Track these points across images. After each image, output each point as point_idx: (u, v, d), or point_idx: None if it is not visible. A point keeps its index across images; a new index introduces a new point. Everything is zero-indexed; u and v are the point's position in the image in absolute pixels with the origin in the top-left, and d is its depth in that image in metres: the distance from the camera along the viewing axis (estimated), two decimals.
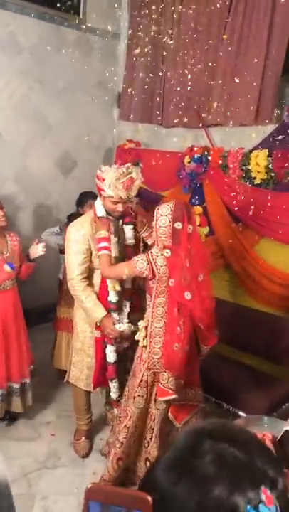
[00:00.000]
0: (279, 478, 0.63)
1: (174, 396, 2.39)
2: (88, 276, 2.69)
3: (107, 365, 2.76)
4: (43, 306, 4.31)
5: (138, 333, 2.50)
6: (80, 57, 4.77)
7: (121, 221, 2.73)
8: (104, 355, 2.74)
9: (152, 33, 4.56)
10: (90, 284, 2.69)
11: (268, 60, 3.63)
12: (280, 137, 3.64)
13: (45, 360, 3.71)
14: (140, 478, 2.65)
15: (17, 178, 4.52)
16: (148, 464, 2.57)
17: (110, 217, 2.66)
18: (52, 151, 4.75)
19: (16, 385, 3.07)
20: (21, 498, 2.62)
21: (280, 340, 3.16)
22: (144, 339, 2.46)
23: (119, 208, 2.57)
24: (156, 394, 2.47)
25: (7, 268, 2.86)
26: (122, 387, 2.79)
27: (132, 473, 2.69)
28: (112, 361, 2.74)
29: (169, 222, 2.30)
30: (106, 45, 4.97)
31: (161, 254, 2.33)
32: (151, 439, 2.54)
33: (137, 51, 4.69)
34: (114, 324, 2.63)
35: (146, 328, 2.45)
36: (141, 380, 2.46)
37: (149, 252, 2.37)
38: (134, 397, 2.48)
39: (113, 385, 2.79)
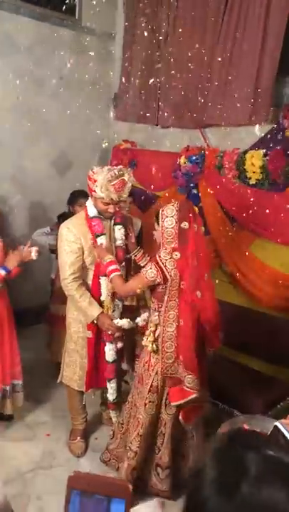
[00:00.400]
0: None
1: (195, 395, 2.34)
2: (81, 275, 2.69)
3: (105, 365, 2.76)
4: (36, 306, 4.31)
5: (145, 338, 2.49)
6: (76, 57, 4.77)
7: (112, 221, 2.74)
8: (96, 355, 2.75)
9: (148, 33, 4.57)
10: (83, 283, 2.70)
11: (262, 61, 3.64)
12: (275, 138, 3.65)
13: (40, 360, 3.71)
14: (151, 485, 2.62)
15: (13, 178, 4.52)
16: (159, 469, 2.54)
17: (101, 217, 2.67)
18: (48, 151, 4.75)
19: (7, 388, 3.04)
20: (16, 498, 2.62)
21: (276, 339, 3.18)
22: (152, 344, 2.43)
23: (111, 209, 2.58)
24: (166, 399, 2.45)
25: (1, 272, 2.82)
26: (118, 389, 2.80)
27: (140, 481, 2.62)
28: (111, 360, 2.74)
29: (176, 222, 2.29)
30: (102, 45, 4.98)
31: (170, 257, 2.31)
32: (162, 444, 2.52)
33: (133, 51, 4.70)
34: (111, 320, 2.64)
35: (154, 332, 2.43)
36: (151, 386, 2.45)
37: (157, 256, 2.34)
38: (146, 404, 2.46)
39: (111, 386, 2.79)
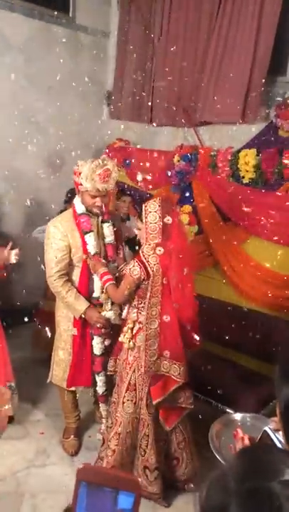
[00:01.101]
0: None
1: (181, 382, 2.37)
2: (67, 272, 2.69)
3: (89, 363, 2.77)
4: (31, 304, 4.30)
5: (122, 335, 2.50)
6: (70, 55, 4.77)
7: (100, 218, 2.74)
8: (81, 353, 2.75)
9: (142, 31, 4.57)
10: (70, 280, 2.70)
11: (254, 60, 3.65)
12: (268, 137, 3.67)
13: (32, 358, 3.71)
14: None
15: (6, 177, 4.49)
16: (147, 471, 2.51)
17: (89, 214, 2.67)
18: (41, 150, 4.73)
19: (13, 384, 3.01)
20: (10, 497, 2.63)
21: (269, 338, 3.19)
22: (129, 341, 2.44)
23: (98, 202, 2.58)
24: (147, 399, 2.44)
25: None
26: (108, 382, 2.80)
27: None
28: (99, 353, 2.75)
29: (159, 217, 2.31)
30: (96, 43, 4.97)
31: (153, 253, 2.33)
32: (147, 446, 2.49)
33: (127, 50, 4.70)
34: (99, 313, 2.65)
35: (131, 329, 2.45)
36: (129, 384, 2.45)
37: (140, 252, 2.36)
38: (124, 403, 2.46)
39: (100, 379, 2.79)
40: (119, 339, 2.53)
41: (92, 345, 2.77)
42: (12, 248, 2.87)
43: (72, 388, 2.88)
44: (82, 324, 2.73)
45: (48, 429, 3.23)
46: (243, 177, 3.69)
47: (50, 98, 4.66)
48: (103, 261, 2.65)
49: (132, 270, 2.34)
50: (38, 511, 2.54)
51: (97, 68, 5.04)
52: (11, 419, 3.21)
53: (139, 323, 2.44)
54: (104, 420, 2.86)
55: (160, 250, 2.33)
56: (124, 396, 2.46)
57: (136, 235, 3.98)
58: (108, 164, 2.50)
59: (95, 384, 2.87)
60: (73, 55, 4.80)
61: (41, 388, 3.56)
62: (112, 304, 2.70)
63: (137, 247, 3.90)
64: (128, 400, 2.46)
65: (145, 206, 2.35)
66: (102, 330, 2.70)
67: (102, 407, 2.88)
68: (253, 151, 3.61)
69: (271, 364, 3.35)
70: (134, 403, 2.46)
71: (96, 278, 2.65)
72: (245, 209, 3.65)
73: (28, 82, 4.47)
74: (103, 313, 2.64)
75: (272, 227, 3.52)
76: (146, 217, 2.33)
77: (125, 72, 4.82)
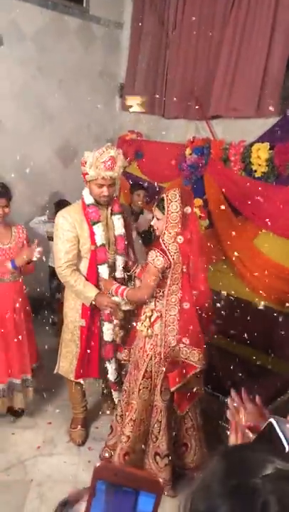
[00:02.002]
0: None
1: (200, 369, 2.43)
2: (76, 263, 2.70)
3: (96, 355, 2.78)
4: (38, 295, 4.32)
5: (140, 323, 2.51)
6: (83, 46, 4.75)
7: (109, 210, 2.74)
8: (89, 345, 2.76)
9: (156, 22, 4.53)
10: (77, 269, 2.71)
11: (271, 52, 3.60)
12: (282, 130, 3.62)
13: (41, 349, 3.71)
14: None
15: (17, 167, 4.50)
16: (158, 458, 2.55)
17: (98, 206, 2.67)
18: (52, 141, 4.73)
19: (17, 381, 3.04)
20: (17, 485, 2.66)
21: (277, 333, 3.18)
22: (147, 329, 2.46)
23: (105, 192, 2.58)
24: (161, 385, 2.47)
25: (9, 266, 2.81)
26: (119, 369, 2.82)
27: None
28: (110, 340, 2.76)
29: (180, 207, 2.33)
30: (109, 34, 4.94)
31: (174, 241, 2.34)
32: (159, 432, 2.54)
33: (141, 41, 4.67)
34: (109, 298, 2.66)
35: (149, 318, 2.47)
36: (145, 371, 2.48)
37: (160, 240, 2.37)
38: (139, 390, 2.49)
39: (111, 366, 2.80)
40: (137, 327, 2.55)
41: (100, 337, 2.78)
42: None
43: (80, 380, 2.90)
44: (90, 316, 2.74)
45: (56, 420, 3.26)
46: (255, 171, 3.66)
47: (62, 89, 4.65)
48: (113, 281, 2.67)
49: (156, 261, 2.34)
50: (45, 499, 2.56)
51: (109, 60, 5.02)
52: (21, 412, 3.26)
53: (157, 311, 2.47)
54: (116, 400, 2.90)
55: (180, 239, 2.35)
56: (141, 383, 2.49)
57: (149, 229, 4.00)
58: (112, 152, 2.51)
59: (102, 375, 2.88)
60: (86, 46, 4.77)
61: (50, 379, 3.57)
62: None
63: (151, 239, 3.96)
64: (144, 388, 2.49)
65: (166, 195, 2.36)
66: (113, 316, 2.72)
67: (115, 395, 2.89)
68: (266, 145, 3.57)
69: (279, 359, 3.37)
70: (149, 390, 2.50)
71: (103, 270, 2.66)
72: (257, 203, 3.62)
73: (40, 72, 4.46)
74: (113, 298, 2.65)
75: (284, 222, 3.49)
76: (168, 207, 2.34)
77: (138, 64, 4.79)
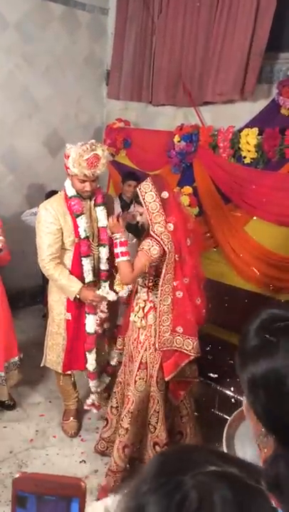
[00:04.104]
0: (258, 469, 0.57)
1: (194, 357, 2.43)
2: (59, 256, 2.66)
3: (82, 348, 2.76)
4: (31, 288, 4.29)
5: (133, 314, 2.49)
6: (68, 33, 4.66)
7: (93, 201, 2.70)
8: (75, 338, 2.75)
9: (141, 8, 4.45)
10: (61, 263, 2.67)
11: (254, 35, 3.53)
12: (270, 115, 3.58)
13: (35, 341, 3.70)
14: None
15: (4, 159, 4.44)
16: (157, 447, 2.55)
17: (81, 197, 2.63)
18: (40, 131, 4.66)
19: (2, 373, 3.01)
20: (10, 478, 2.64)
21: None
22: (141, 320, 2.45)
23: (87, 187, 2.54)
24: (157, 376, 2.47)
25: None
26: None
27: (139, 462, 2.66)
28: (92, 331, 2.74)
29: (156, 195, 2.29)
30: (94, 20, 4.86)
31: (165, 231, 2.31)
32: (157, 422, 2.53)
33: (126, 27, 4.59)
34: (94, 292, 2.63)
35: (142, 308, 2.45)
36: (140, 363, 2.47)
37: (151, 232, 2.32)
38: (136, 381, 2.48)
39: (90, 356, 2.78)
40: (130, 319, 2.52)
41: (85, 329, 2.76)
42: None
43: (68, 372, 2.88)
44: (76, 308, 2.71)
45: (48, 412, 3.25)
46: (245, 157, 3.62)
47: (48, 78, 4.58)
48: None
49: (152, 250, 2.30)
50: None
51: (95, 46, 4.94)
52: (13, 405, 3.24)
53: (150, 301, 2.45)
54: (92, 395, 2.90)
55: (170, 227, 2.32)
56: (136, 375, 2.48)
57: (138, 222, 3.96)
58: (97, 150, 2.45)
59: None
60: (71, 33, 4.69)
61: (41, 371, 3.56)
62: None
63: (140, 233, 3.92)
64: (140, 379, 2.48)
65: (139, 189, 2.33)
66: (98, 309, 2.70)
67: (92, 383, 2.86)
68: (255, 130, 3.53)
69: None
70: (146, 381, 2.49)
71: (86, 263, 2.62)
72: (247, 190, 3.59)
73: (25, 61, 4.38)
74: (98, 292, 2.62)
75: (274, 207, 3.46)
76: (144, 199, 2.30)
77: (124, 50, 4.70)
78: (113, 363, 2.91)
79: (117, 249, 2.44)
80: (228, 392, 2.81)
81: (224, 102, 3.88)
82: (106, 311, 2.74)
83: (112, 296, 2.64)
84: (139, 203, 2.35)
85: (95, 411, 2.97)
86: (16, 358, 3.09)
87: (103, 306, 2.72)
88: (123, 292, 2.63)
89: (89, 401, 2.91)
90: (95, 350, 2.77)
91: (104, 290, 2.64)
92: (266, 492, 0.51)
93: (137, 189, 2.34)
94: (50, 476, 0.57)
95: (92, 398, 2.90)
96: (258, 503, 0.49)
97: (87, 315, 2.71)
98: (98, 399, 2.92)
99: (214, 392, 2.89)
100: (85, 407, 2.98)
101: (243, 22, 3.58)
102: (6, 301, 3.05)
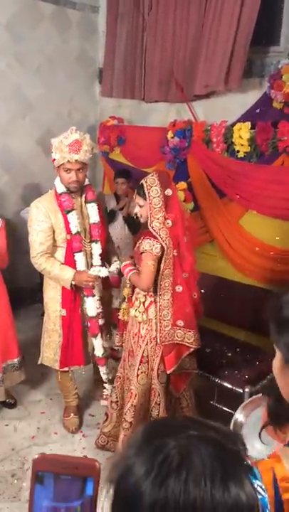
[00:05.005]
0: (237, 436, 0.61)
1: (194, 349, 2.50)
2: (50, 253, 2.69)
3: (80, 344, 2.79)
4: (30, 286, 4.30)
5: (133, 309, 2.51)
6: (58, 32, 4.67)
7: (83, 198, 2.72)
8: (70, 334, 2.77)
9: (132, 5, 4.45)
10: (51, 257, 2.70)
11: (239, 27, 3.53)
12: (262, 109, 3.60)
13: (34, 340, 3.71)
14: None
15: None
16: None
17: (71, 194, 2.66)
18: (33, 130, 4.67)
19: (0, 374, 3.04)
20: (12, 475, 2.66)
21: (265, 312, 3.18)
22: (142, 314, 2.47)
23: (73, 177, 2.56)
24: (158, 369, 2.50)
25: None
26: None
27: None
28: (94, 314, 2.75)
29: (160, 191, 2.32)
30: (85, 18, 4.86)
31: (163, 227, 2.34)
32: (158, 415, 2.57)
33: (117, 25, 4.59)
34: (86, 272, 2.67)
35: (143, 303, 2.47)
36: (142, 357, 2.50)
37: (150, 228, 2.35)
38: (138, 375, 2.50)
39: (97, 342, 2.80)
40: (131, 314, 2.54)
41: (82, 325, 2.78)
42: None
43: (65, 368, 2.90)
44: (71, 304, 2.74)
45: (49, 409, 3.27)
46: (238, 151, 3.64)
47: (40, 77, 4.58)
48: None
49: (154, 249, 2.33)
50: None
51: (87, 45, 4.94)
52: (14, 404, 3.26)
53: (150, 296, 2.47)
54: (107, 386, 2.92)
55: (168, 223, 2.35)
56: (138, 369, 2.50)
57: (133, 216, 3.98)
58: (76, 135, 2.50)
59: (87, 362, 2.89)
60: (62, 32, 4.69)
61: (42, 369, 3.57)
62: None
63: (135, 226, 3.94)
64: (142, 372, 2.51)
65: (145, 181, 2.35)
66: (94, 289, 2.73)
67: (102, 370, 2.89)
68: (248, 124, 3.54)
69: (268, 338, 3.37)
70: (147, 375, 2.52)
71: (79, 258, 2.66)
72: (241, 184, 3.62)
73: (16, 61, 4.38)
74: (91, 271, 2.65)
75: (268, 201, 3.48)
76: (148, 192, 2.32)
77: (116, 48, 4.71)
78: (116, 347, 2.92)
79: (126, 270, 2.52)
80: (226, 384, 2.83)
81: (210, 94, 3.89)
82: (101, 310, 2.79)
83: (104, 272, 2.66)
84: (141, 195, 2.36)
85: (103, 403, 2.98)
86: (15, 360, 3.09)
87: (98, 290, 2.76)
88: (114, 266, 2.68)
89: (105, 392, 2.93)
90: (100, 336, 2.79)
91: (95, 269, 2.66)
92: (242, 453, 0.56)
93: (143, 181, 2.36)
94: (66, 457, 0.61)
95: (107, 388, 2.91)
96: (234, 461, 0.54)
97: (86, 298, 2.73)
98: (99, 395, 2.95)
99: (213, 385, 2.91)
100: (102, 404, 3.00)
101: (229, 13, 3.57)
102: (7, 302, 3.06)
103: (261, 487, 0.56)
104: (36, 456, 0.59)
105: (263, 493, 0.56)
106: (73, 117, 4.91)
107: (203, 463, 0.52)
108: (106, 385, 2.93)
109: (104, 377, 2.91)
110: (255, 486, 0.55)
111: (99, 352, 2.82)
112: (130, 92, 4.69)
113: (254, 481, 0.55)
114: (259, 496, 0.55)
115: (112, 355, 3.02)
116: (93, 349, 2.86)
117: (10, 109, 4.43)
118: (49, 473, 0.58)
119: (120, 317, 2.66)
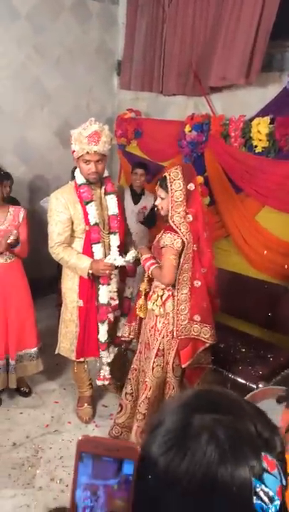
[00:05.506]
0: (275, 438, 0.62)
1: (210, 344, 2.52)
2: (69, 244, 2.71)
3: (95, 334, 2.81)
4: (47, 276, 4.34)
5: (151, 302, 2.53)
6: (78, 24, 4.66)
7: (103, 190, 2.73)
8: (87, 324, 2.80)
9: None
10: (68, 247, 2.73)
11: (260, 20, 3.49)
12: (282, 103, 3.57)
13: (50, 330, 3.76)
14: None
15: (16, 150, 4.48)
16: None
17: (91, 185, 2.67)
18: (51, 122, 4.69)
19: (12, 362, 3.09)
20: (26, 462, 2.72)
21: (279, 308, 3.19)
22: (160, 308, 2.48)
23: (92, 168, 2.56)
24: (173, 362, 2.52)
25: None
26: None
27: None
28: (105, 302, 2.77)
29: (183, 184, 2.32)
30: (105, 10, 4.85)
31: (184, 221, 2.34)
32: None
33: (137, 17, 4.57)
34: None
35: (161, 297, 2.48)
36: (158, 350, 2.51)
37: (171, 222, 2.35)
38: (153, 368, 2.53)
39: (103, 327, 2.82)
40: (148, 307, 2.55)
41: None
42: None
43: (81, 359, 2.94)
44: (88, 295, 2.76)
45: (63, 398, 3.32)
46: (256, 146, 3.62)
47: (59, 68, 4.59)
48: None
49: (176, 243, 2.33)
50: (53, 476, 2.62)
51: (106, 37, 4.94)
52: (28, 392, 3.32)
53: (168, 290, 2.47)
54: (104, 367, 2.94)
55: (189, 218, 2.35)
56: (154, 362, 2.52)
57: (152, 210, 3.98)
58: (95, 126, 2.50)
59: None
60: (81, 24, 4.69)
61: (56, 359, 3.62)
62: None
63: (153, 221, 3.95)
64: (157, 365, 2.53)
65: (169, 174, 2.34)
66: (111, 276, 2.75)
67: (102, 354, 2.89)
68: (266, 119, 3.52)
69: (281, 334, 3.39)
70: (162, 368, 2.54)
71: (97, 248, 2.68)
72: (258, 179, 3.60)
73: (36, 52, 4.39)
74: (107, 260, 2.66)
75: (286, 197, 3.46)
76: (171, 185, 2.32)
77: (135, 40, 4.70)
78: (120, 334, 2.94)
79: (146, 264, 2.51)
80: (239, 379, 2.85)
81: (229, 87, 3.86)
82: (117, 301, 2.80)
83: (119, 261, 2.67)
84: (163, 188, 2.36)
85: (106, 383, 3.01)
86: (32, 350, 3.14)
87: (115, 281, 2.78)
88: (130, 255, 2.67)
89: (101, 373, 2.95)
90: (107, 322, 2.81)
91: (110, 257, 2.67)
92: (257, 441, 0.60)
93: (166, 173, 2.36)
94: (108, 440, 0.65)
95: (105, 369, 2.94)
96: (243, 443, 0.59)
97: (100, 286, 2.74)
98: (113, 387, 2.98)
99: (226, 380, 2.92)
100: (98, 383, 3.01)
101: (251, 5, 3.53)
102: (28, 292, 3.12)
103: (268, 494, 0.56)
104: (80, 438, 0.62)
105: (266, 500, 0.56)
106: (91, 109, 4.91)
107: (212, 442, 0.58)
108: (104, 367, 2.95)
109: (103, 359, 2.92)
110: (258, 490, 0.56)
111: (102, 338, 2.84)
112: (148, 85, 4.67)
113: (258, 484, 0.56)
114: (257, 501, 0.56)
115: (114, 341, 3.02)
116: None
117: (28, 100, 4.45)
118: (90, 454, 0.61)
119: (138, 313, 2.66)
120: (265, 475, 0.57)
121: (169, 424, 0.62)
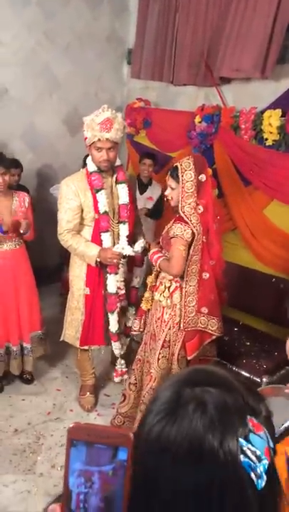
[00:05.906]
0: (260, 405, 0.64)
1: (217, 336, 2.53)
2: (78, 231, 2.70)
3: (101, 323, 2.81)
4: (51, 265, 4.34)
5: (158, 293, 2.51)
6: (89, 10, 4.61)
7: (114, 179, 2.71)
8: (93, 313, 2.80)
9: None
10: (77, 234, 2.72)
11: (277, 12, 3.43)
12: None
13: (53, 319, 3.76)
14: None
15: (24, 136, 4.45)
16: None
17: (102, 173, 2.64)
18: (60, 109, 4.65)
19: (14, 348, 3.10)
20: (27, 449, 2.72)
21: (286, 303, 3.16)
22: (167, 299, 2.47)
23: (104, 155, 2.54)
24: (178, 354, 2.51)
25: None
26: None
27: None
28: (114, 291, 2.76)
29: (194, 175, 2.30)
30: None
31: (194, 212, 2.32)
32: None
33: (149, 5, 4.51)
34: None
35: (168, 288, 2.46)
36: (164, 341, 2.50)
37: (181, 212, 2.32)
38: (158, 359, 2.52)
39: (113, 317, 2.81)
40: (155, 297, 2.54)
41: (104, 305, 2.79)
42: None
43: (85, 347, 2.94)
44: (94, 283, 2.76)
45: (65, 386, 3.32)
46: (267, 139, 3.58)
47: (69, 55, 4.55)
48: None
49: (186, 234, 2.31)
50: (54, 463, 2.63)
51: (117, 24, 4.88)
52: (31, 379, 3.33)
53: (176, 281, 2.46)
54: (120, 360, 2.94)
55: (200, 209, 2.34)
56: (160, 353, 2.51)
57: (157, 202, 3.96)
58: (107, 113, 2.47)
59: (108, 343, 2.91)
60: (92, 9, 4.63)
61: (59, 347, 3.62)
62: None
63: (159, 212, 3.93)
64: (163, 357, 2.52)
65: (180, 164, 2.32)
66: (119, 266, 2.73)
67: (115, 345, 2.89)
68: (278, 111, 3.47)
69: (287, 328, 3.36)
70: (167, 359, 2.54)
71: (106, 237, 2.66)
72: (268, 172, 3.56)
73: (46, 38, 4.35)
74: (115, 248, 2.65)
75: None
76: (182, 176, 2.30)
77: (147, 27, 4.64)
78: (129, 324, 2.93)
79: (154, 258, 2.49)
80: (244, 373, 2.84)
81: (242, 79, 3.81)
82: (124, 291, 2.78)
83: (127, 250, 2.65)
84: (174, 178, 2.33)
85: (125, 377, 2.98)
86: (40, 332, 3.18)
87: (122, 271, 2.77)
88: (138, 245, 2.66)
89: (118, 368, 2.95)
90: (117, 312, 2.80)
91: (119, 246, 2.66)
92: (244, 408, 0.62)
93: (178, 164, 2.33)
94: (100, 427, 0.63)
95: (120, 363, 2.94)
96: (232, 413, 0.60)
97: (108, 275, 2.72)
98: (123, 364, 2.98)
99: (230, 372, 2.91)
100: (115, 379, 3.01)
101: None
102: (32, 278, 3.14)
103: (255, 453, 0.57)
104: (71, 425, 0.61)
105: (254, 458, 0.57)
106: (100, 97, 4.87)
107: (202, 411, 0.60)
108: (119, 361, 2.95)
109: (116, 352, 2.92)
110: (245, 449, 0.57)
111: (113, 328, 2.83)
112: (159, 74, 4.62)
113: (245, 443, 0.57)
114: (245, 459, 0.57)
115: (125, 332, 3.02)
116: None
117: (37, 86, 4.41)
118: (82, 441, 0.61)
119: (142, 307, 2.64)
120: (251, 435, 0.58)
121: (163, 397, 0.65)
